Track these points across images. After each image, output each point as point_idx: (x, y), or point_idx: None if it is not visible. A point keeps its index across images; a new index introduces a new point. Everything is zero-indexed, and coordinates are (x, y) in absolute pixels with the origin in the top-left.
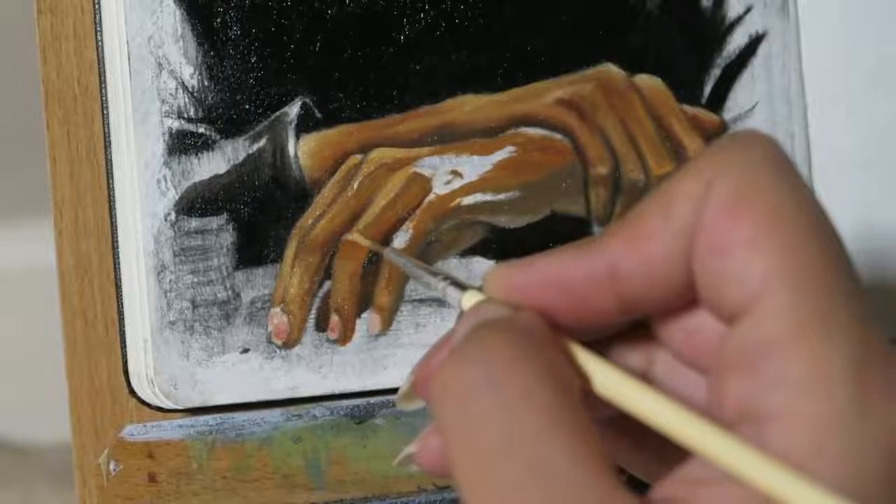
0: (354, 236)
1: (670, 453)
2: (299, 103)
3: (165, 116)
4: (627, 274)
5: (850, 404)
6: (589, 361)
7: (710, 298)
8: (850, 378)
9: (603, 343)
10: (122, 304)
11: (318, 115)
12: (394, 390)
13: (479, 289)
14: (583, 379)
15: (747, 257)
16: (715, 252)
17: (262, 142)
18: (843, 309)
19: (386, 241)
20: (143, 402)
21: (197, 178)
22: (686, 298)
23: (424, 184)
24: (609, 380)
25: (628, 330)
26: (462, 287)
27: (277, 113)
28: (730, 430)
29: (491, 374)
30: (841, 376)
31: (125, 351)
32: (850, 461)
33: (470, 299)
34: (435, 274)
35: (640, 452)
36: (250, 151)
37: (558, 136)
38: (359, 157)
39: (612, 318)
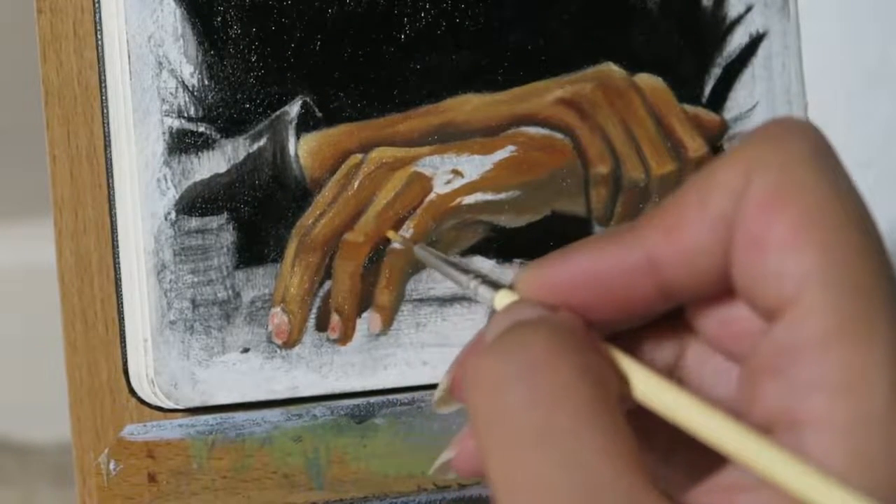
0: (390, 234)
1: (678, 457)
2: (300, 102)
3: (165, 115)
4: (665, 263)
5: (889, 409)
6: (629, 366)
7: (747, 293)
8: (888, 382)
9: (636, 331)
10: (122, 303)
11: (319, 114)
12: (394, 390)
13: (511, 287)
14: (620, 380)
15: (785, 256)
16: (753, 248)
17: (263, 141)
18: (881, 311)
19: (386, 240)
20: (143, 402)
21: (197, 178)
22: (723, 287)
23: (425, 183)
24: (649, 385)
25: (661, 317)
26: (495, 286)
27: (278, 112)
28: (766, 436)
29: (527, 367)
30: (879, 380)
31: (125, 351)
32: (888, 467)
33: (503, 299)
34: (466, 272)
35: (647, 455)
36: (251, 151)
37: (559, 136)
38: (359, 156)
39: (649, 308)
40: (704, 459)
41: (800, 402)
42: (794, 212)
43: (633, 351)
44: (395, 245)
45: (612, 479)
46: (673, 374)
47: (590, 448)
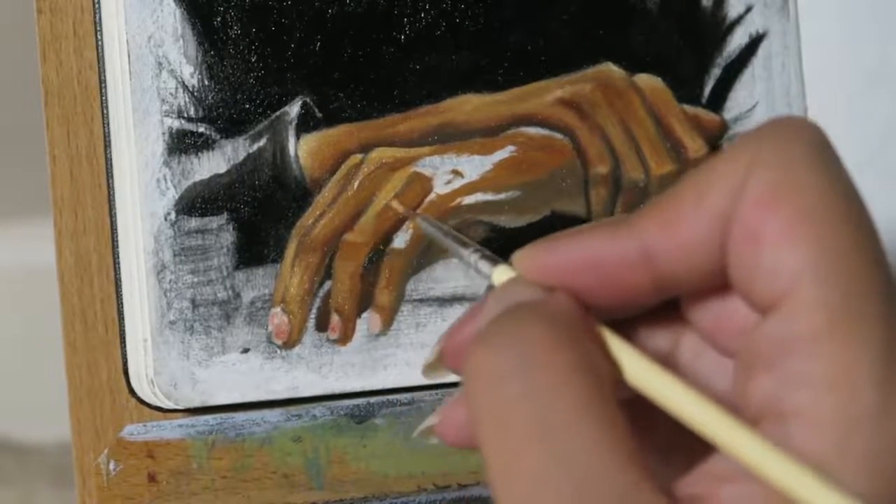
0: (393, 203)
1: (677, 454)
2: (300, 103)
3: (165, 116)
4: (661, 256)
5: (875, 406)
6: (621, 349)
7: (742, 287)
8: (876, 379)
9: (631, 321)
10: (121, 303)
11: (319, 114)
12: (394, 390)
13: (510, 263)
14: (613, 366)
15: (780, 251)
16: (749, 242)
17: (263, 141)
18: (873, 308)
19: (386, 240)
20: (142, 402)
21: (197, 178)
22: (719, 282)
23: (425, 183)
24: (640, 369)
25: (657, 309)
26: (494, 261)
27: (278, 112)
28: (753, 426)
29: (525, 360)
30: (867, 377)
31: (125, 351)
32: (873, 463)
33: (501, 275)
34: (466, 245)
35: (646, 450)
36: (250, 151)
37: (558, 136)
38: (359, 156)
39: (643, 298)
40: (703, 452)
41: (788, 394)
42: (791, 208)
43: (628, 339)
44: (396, 246)
45: (605, 472)
46: (668, 365)
47: (584, 442)
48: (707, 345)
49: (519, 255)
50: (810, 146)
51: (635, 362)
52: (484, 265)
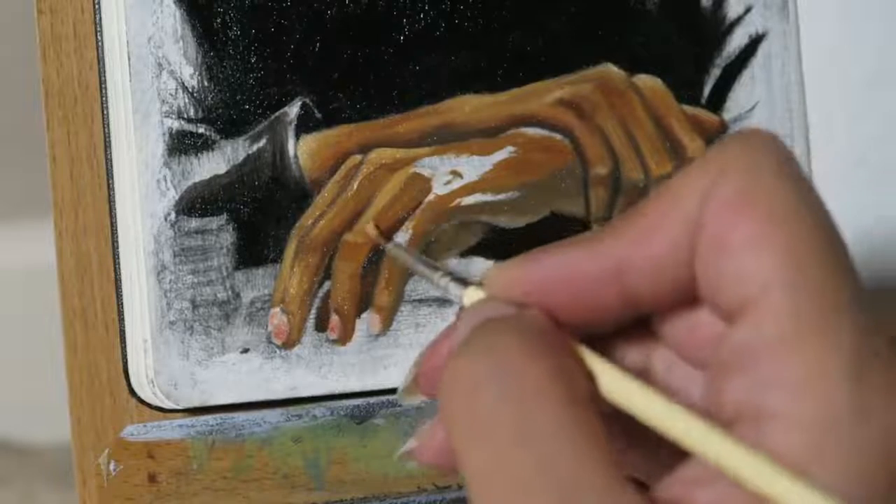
0: (367, 227)
1: (665, 455)
2: (299, 103)
3: (165, 117)
4: (633, 270)
5: (849, 407)
6: (594, 361)
7: (710, 296)
8: (848, 381)
9: (603, 338)
10: (122, 304)
11: (318, 115)
12: (394, 390)
13: (480, 285)
14: (588, 378)
15: (747, 257)
16: (715, 250)
17: (262, 142)
18: (842, 311)
19: (386, 241)
20: (143, 402)
21: (197, 179)
22: (689, 295)
23: (424, 184)
24: (614, 382)
25: (629, 325)
26: (464, 283)
27: (277, 113)
28: (723, 428)
29: (502, 367)
30: (839, 379)
31: (125, 351)
32: (848, 464)
33: (472, 296)
34: (436, 269)
35: (635, 451)
36: (250, 151)
37: (558, 137)
38: (359, 157)
39: (615, 315)
40: (683, 457)
41: (762, 398)
42: (758, 214)
43: (602, 354)
44: (387, 247)
45: (589, 477)
46: (642, 379)
47: (567, 448)
48: (678, 358)
49: (490, 273)
50: (776, 156)
51: (609, 374)
52: (454, 287)
